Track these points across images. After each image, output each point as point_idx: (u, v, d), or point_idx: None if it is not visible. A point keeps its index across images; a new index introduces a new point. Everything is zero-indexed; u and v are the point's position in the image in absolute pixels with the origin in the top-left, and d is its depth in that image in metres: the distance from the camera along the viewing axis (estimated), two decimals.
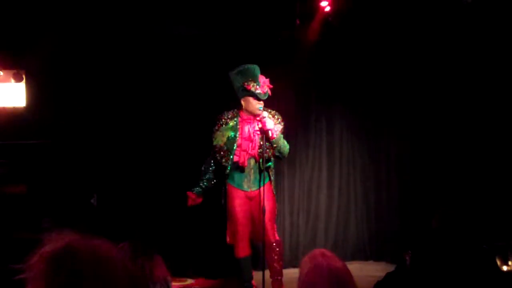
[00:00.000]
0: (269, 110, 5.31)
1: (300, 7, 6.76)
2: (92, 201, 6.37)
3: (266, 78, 5.33)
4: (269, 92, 5.24)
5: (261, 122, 5.08)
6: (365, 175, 7.37)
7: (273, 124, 5.10)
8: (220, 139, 5.27)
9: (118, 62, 6.58)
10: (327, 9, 6.67)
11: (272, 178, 5.34)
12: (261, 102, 5.21)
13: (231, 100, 5.58)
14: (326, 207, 7.32)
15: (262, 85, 5.19)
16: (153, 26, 6.62)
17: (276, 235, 5.32)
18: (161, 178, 6.54)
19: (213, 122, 5.52)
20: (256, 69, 5.24)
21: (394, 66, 7.04)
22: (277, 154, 5.22)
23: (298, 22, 6.75)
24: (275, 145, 5.12)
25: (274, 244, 5.26)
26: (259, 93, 5.16)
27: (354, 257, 7.17)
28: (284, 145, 5.21)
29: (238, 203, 5.26)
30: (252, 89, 5.14)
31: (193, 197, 5.31)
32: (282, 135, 5.21)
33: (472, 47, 6.28)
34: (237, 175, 5.27)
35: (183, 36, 6.72)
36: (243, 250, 5.20)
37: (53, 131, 6.37)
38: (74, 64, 6.42)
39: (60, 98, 6.41)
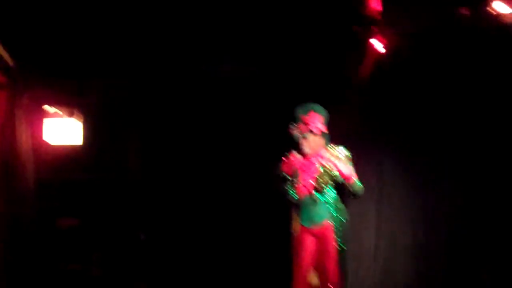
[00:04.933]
0: (331, 146, 5.25)
1: (354, 47, 6.73)
2: (141, 236, 6.47)
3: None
4: (314, 130, 5.16)
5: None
6: (414, 214, 7.12)
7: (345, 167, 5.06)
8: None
9: (174, 101, 6.71)
10: (382, 50, 6.61)
11: (336, 214, 5.17)
12: (305, 141, 5.16)
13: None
14: (374, 245, 7.10)
15: (302, 128, 5.18)
16: (217, 66, 6.73)
17: (335, 277, 5.07)
18: (214, 220, 6.57)
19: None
20: (298, 110, 5.23)
21: (450, 106, 6.87)
22: (351, 194, 5.16)
23: (351, 62, 6.72)
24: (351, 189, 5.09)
25: (329, 286, 5.15)
26: (295, 136, 5.17)
27: None
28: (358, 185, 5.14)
29: (303, 240, 5.19)
30: (294, 135, 5.19)
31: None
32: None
33: None
34: (302, 210, 5.23)
35: (235, 76, 6.81)
36: None
37: (107, 168, 6.54)
38: (128, 103, 6.60)
39: (114, 137, 6.58)
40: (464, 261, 6.50)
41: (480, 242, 6.39)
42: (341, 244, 5.10)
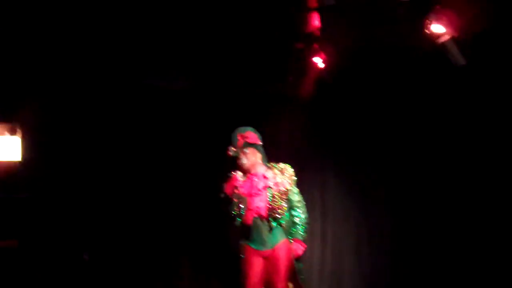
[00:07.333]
0: (273, 165, 5.29)
1: (294, 63, 6.84)
2: (84, 256, 6.36)
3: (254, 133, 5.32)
4: (249, 140, 5.21)
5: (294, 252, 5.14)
6: (358, 226, 7.35)
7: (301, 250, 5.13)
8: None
9: (113, 117, 6.64)
10: (321, 65, 6.74)
11: (290, 234, 5.21)
12: (244, 155, 5.18)
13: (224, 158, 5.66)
14: (320, 259, 7.29)
15: (238, 143, 5.23)
16: (146, 80, 6.71)
17: None
18: (155, 235, 6.53)
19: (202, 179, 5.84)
20: (233, 134, 5.27)
21: (387, 122, 7.09)
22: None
23: (291, 78, 6.83)
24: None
25: None
26: (234, 155, 5.19)
27: None
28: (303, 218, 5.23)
29: (251, 263, 5.20)
30: (231, 154, 5.21)
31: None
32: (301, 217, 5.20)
33: (466, 111, 6.33)
34: (251, 232, 5.22)
35: (175, 90, 6.79)
36: None
37: (47, 185, 6.39)
38: (67, 118, 6.48)
39: (54, 153, 6.44)
40: (408, 273, 6.69)
41: (423, 254, 6.58)
42: (298, 267, 5.18)
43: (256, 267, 5.18)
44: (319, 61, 6.69)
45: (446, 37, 5.75)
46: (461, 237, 6.36)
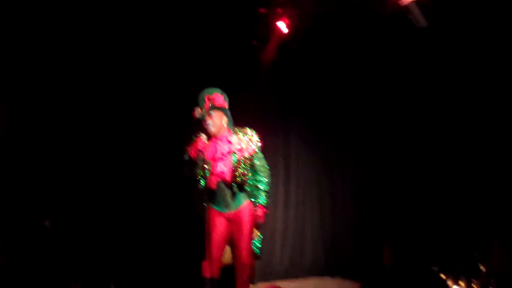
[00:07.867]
0: (238, 129, 5.27)
1: (258, 28, 6.81)
2: (46, 223, 6.29)
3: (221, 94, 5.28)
4: (216, 103, 5.16)
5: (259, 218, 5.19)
6: (321, 191, 7.45)
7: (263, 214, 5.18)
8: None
9: (76, 77, 6.56)
10: (285, 30, 6.73)
11: (253, 197, 5.23)
12: (209, 118, 5.15)
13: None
14: (283, 223, 7.37)
15: (205, 105, 5.16)
16: (113, 46, 6.63)
17: (247, 257, 5.15)
18: (116, 196, 6.52)
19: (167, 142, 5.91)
20: (200, 95, 5.22)
21: (351, 86, 7.13)
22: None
23: (254, 43, 6.80)
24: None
25: (243, 266, 5.21)
26: (200, 117, 5.16)
27: (310, 273, 7.24)
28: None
29: (214, 223, 5.21)
30: (197, 116, 5.15)
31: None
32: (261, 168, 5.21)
33: (427, 72, 6.39)
34: (215, 196, 5.23)
35: (141, 56, 6.72)
36: (209, 270, 5.13)
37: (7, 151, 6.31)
38: (30, 79, 6.38)
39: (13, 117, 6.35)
40: (368, 238, 6.80)
41: (383, 220, 6.72)
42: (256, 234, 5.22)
43: (219, 227, 5.18)
44: (282, 26, 6.68)
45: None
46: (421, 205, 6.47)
